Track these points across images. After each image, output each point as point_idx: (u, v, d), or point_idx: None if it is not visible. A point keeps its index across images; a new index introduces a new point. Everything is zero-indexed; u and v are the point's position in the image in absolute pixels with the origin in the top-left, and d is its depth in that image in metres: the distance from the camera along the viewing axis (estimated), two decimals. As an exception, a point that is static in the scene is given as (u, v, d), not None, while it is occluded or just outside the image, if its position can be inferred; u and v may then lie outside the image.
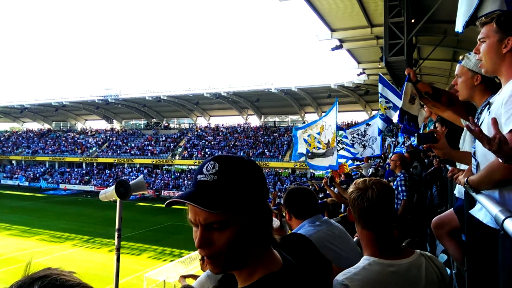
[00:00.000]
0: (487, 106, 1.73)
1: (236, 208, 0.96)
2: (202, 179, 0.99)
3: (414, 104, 3.41)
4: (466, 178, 1.75)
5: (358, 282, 1.44)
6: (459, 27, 2.45)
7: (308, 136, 9.24)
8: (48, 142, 59.32)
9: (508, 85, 1.60)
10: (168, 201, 1.01)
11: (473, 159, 1.84)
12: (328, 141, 8.86)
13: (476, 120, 1.83)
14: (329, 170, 10.54)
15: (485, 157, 1.67)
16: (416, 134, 2.35)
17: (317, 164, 9.04)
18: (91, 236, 24.94)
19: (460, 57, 2.27)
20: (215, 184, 0.97)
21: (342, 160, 10.92)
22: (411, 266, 1.53)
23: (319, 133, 9.00)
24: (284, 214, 2.92)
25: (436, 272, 1.57)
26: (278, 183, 41.41)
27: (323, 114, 9.74)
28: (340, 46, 18.02)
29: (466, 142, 2.66)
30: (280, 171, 44.94)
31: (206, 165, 1.02)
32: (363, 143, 11.37)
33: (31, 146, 59.79)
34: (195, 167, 48.73)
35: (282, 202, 2.86)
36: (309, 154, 9.13)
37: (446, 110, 2.87)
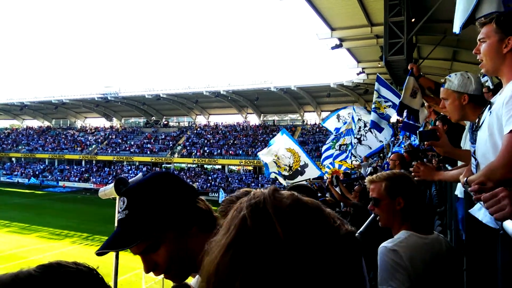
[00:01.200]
0: (488, 106, 1.72)
1: (155, 229, 1.02)
2: (119, 218, 1.07)
3: (416, 98, 3.41)
4: (465, 178, 1.75)
5: (404, 247, 1.82)
6: (456, 28, 2.46)
7: (275, 160, 10.58)
8: (47, 140, 59.33)
9: (509, 85, 1.60)
10: (96, 252, 1.05)
11: (472, 159, 1.84)
12: (289, 164, 10.21)
13: (476, 121, 1.83)
14: (328, 170, 10.96)
15: (484, 157, 1.67)
16: (417, 132, 2.35)
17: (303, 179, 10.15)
18: (90, 233, 24.93)
19: (442, 80, 2.28)
20: (128, 219, 1.04)
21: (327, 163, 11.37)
22: (435, 241, 1.95)
23: (278, 159, 10.39)
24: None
25: (452, 248, 2.03)
26: (277, 182, 41.40)
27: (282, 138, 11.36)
28: (340, 45, 18.00)
29: (467, 141, 2.67)
30: (279, 169, 44.97)
31: (119, 203, 1.08)
32: (358, 137, 11.54)
33: (31, 143, 59.77)
34: (194, 165, 48.77)
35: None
36: (287, 175, 10.39)
37: None
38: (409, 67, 3.21)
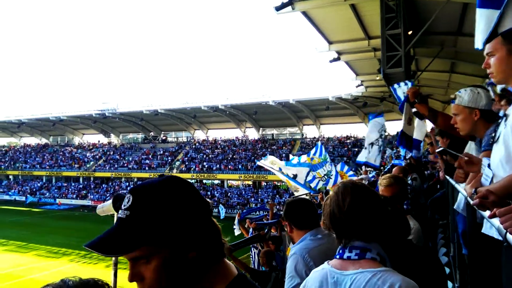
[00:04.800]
0: (504, 118, 1.72)
1: (152, 241, 0.91)
2: (119, 216, 0.95)
3: (411, 126, 3.42)
4: (474, 189, 1.72)
5: None
6: (478, 44, 2.48)
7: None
8: (45, 157, 59.17)
9: None
10: (84, 245, 0.99)
11: (488, 170, 1.79)
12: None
13: (493, 134, 1.82)
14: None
15: (498, 170, 1.65)
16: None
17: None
18: (88, 251, 24.56)
19: (452, 96, 2.31)
20: (127, 221, 0.93)
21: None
22: None
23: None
24: (285, 228, 2.88)
25: None
26: (277, 196, 41.27)
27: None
28: (338, 59, 18.12)
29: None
30: (278, 184, 44.83)
31: (125, 199, 0.97)
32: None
33: (28, 161, 59.60)
34: (193, 180, 48.61)
35: (282, 214, 2.81)
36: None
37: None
38: (406, 93, 3.23)
